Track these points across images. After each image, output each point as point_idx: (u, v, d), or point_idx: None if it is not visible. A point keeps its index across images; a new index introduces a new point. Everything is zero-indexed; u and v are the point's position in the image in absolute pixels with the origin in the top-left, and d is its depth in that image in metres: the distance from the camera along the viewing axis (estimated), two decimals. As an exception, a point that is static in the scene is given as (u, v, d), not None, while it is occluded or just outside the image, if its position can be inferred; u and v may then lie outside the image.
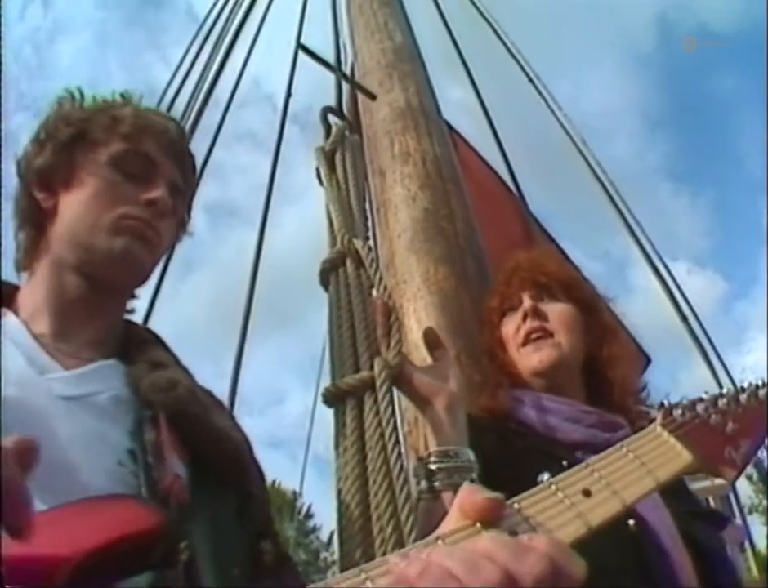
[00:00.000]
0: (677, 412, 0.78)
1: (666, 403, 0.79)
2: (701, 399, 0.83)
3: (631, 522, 1.17)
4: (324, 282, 1.36)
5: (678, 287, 3.18)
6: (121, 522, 0.59)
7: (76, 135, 1.01)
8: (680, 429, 0.75)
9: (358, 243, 1.33)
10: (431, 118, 3.01)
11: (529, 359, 1.47)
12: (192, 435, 0.87)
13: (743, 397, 0.87)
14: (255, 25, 5.20)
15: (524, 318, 1.49)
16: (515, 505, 0.56)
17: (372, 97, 2.66)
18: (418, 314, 2.08)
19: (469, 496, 0.55)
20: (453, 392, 1.14)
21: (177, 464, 0.82)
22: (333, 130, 1.66)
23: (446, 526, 0.55)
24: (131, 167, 0.99)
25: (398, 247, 2.34)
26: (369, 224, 1.51)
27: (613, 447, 0.69)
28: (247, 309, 2.76)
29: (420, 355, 1.59)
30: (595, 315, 1.53)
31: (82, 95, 1.06)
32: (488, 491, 0.56)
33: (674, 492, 1.29)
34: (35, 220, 1.01)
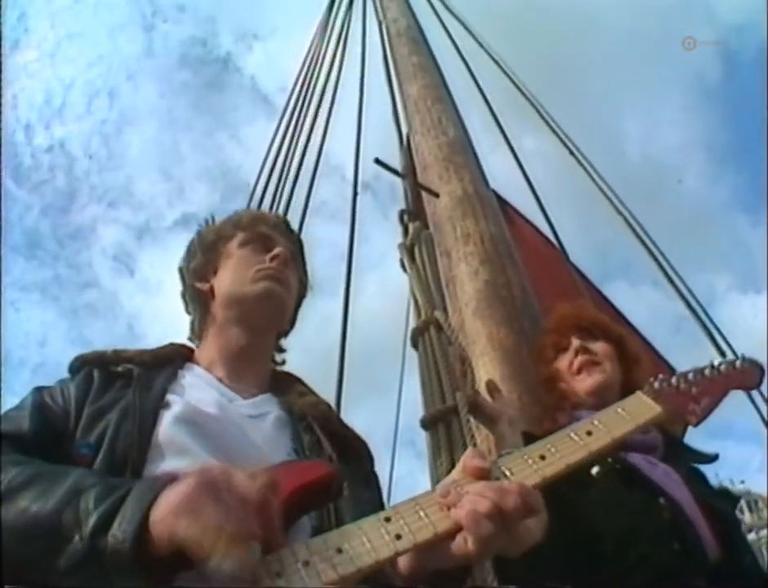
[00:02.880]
0: (656, 384, 1.15)
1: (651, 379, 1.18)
2: (675, 373, 1.20)
3: (661, 500, 1.56)
4: (414, 344, 1.89)
5: (717, 327, 3.56)
6: (312, 471, 0.94)
7: (215, 239, 1.40)
8: (656, 393, 1.12)
9: (438, 313, 1.87)
10: (485, 202, 3.54)
11: (584, 383, 1.92)
12: (335, 435, 1.23)
13: (707, 371, 1.23)
14: (324, 106, 5.83)
15: (576, 354, 1.96)
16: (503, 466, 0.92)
17: (436, 195, 3.22)
18: (486, 367, 2.56)
19: (470, 460, 0.90)
20: (512, 414, 1.63)
21: (330, 450, 1.18)
22: (411, 229, 2.23)
23: (454, 474, 0.91)
24: (255, 243, 1.35)
25: (466, 315, 2.83)
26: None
27: (609, 407, 1.08)
28: (340, 379, 2.99)
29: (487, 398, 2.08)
30: (625, 349, 2.00)
31: (213, 219, 1.48)
32: (481, 459, 0.91)
33: (700, 482, 1.72)
34: (199, 303, 1.38)
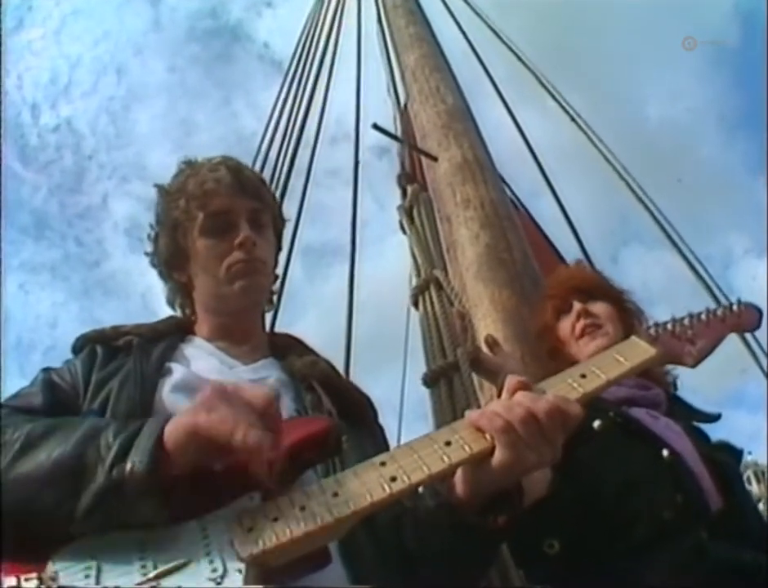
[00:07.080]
0: (652, 330, 1.17)
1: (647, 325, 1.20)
2: (673, 319, 1.22)
3: (664, 452, 1.54)
4: (415, 303, 1.87)
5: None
6: (310, 425, 0.97)
7: (172, 228, 1.32)
8: (651, 338, 1.13)
9: (437, 272, 1.85)
10: (485, 167, 3.52)
11: (588, 347, 1.89)
12: (335, 391, 1.24)
13: (703, 315, 1.24)
14: (330, 67, 5.82)
15: (578, 317, 1.92)
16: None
17: (435, 159, 3.19)
18: (489, 329, 2.55)
19: (512, 379, 0.96)
20: (514, 367, 1.62)
21: (330, 405, 1.20)
22: (409, 191, 2.20)
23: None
24: (215, 226, 1.28)
25: (467, 278, 2.82)
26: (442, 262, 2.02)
27: (604, 352, 1.08)
28: (348, 343, 3.01)
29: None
30: (624, 307, 1.97)
31: (166, 187, 1.36)
32: (521, 377, 0.96)
33: (702, 438, 1.70)
34: (181, 291, 1.37)
